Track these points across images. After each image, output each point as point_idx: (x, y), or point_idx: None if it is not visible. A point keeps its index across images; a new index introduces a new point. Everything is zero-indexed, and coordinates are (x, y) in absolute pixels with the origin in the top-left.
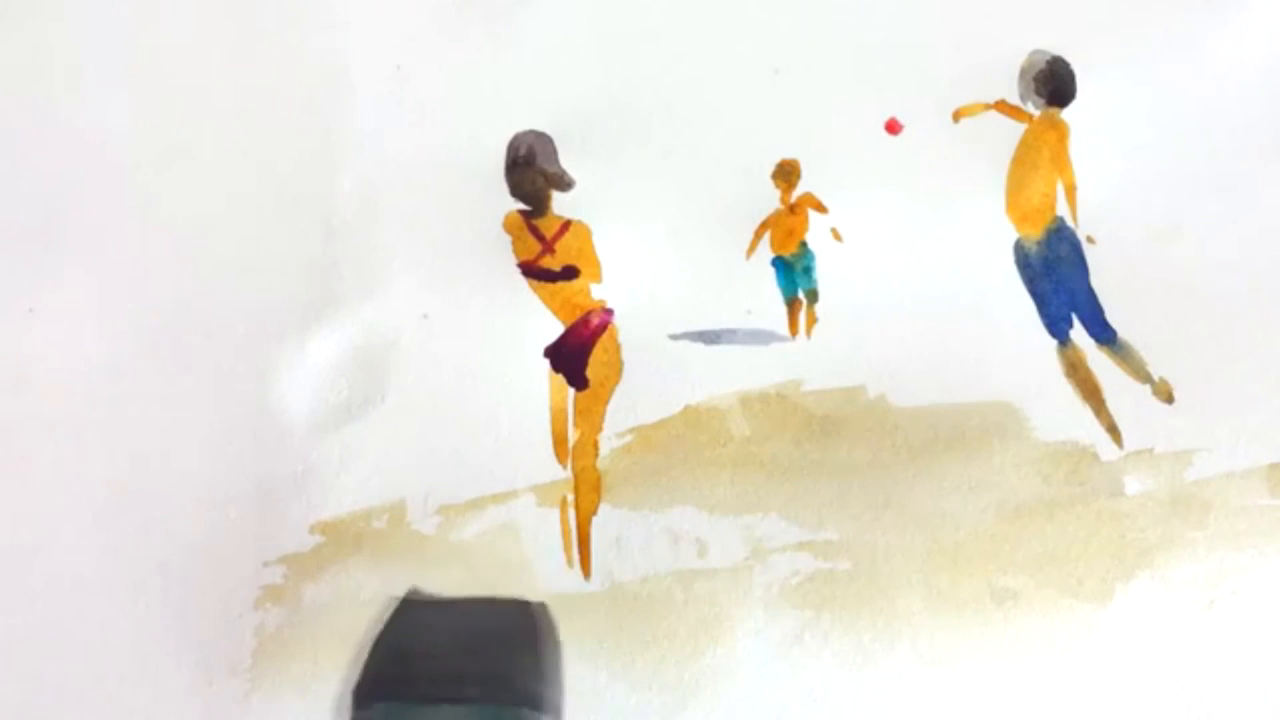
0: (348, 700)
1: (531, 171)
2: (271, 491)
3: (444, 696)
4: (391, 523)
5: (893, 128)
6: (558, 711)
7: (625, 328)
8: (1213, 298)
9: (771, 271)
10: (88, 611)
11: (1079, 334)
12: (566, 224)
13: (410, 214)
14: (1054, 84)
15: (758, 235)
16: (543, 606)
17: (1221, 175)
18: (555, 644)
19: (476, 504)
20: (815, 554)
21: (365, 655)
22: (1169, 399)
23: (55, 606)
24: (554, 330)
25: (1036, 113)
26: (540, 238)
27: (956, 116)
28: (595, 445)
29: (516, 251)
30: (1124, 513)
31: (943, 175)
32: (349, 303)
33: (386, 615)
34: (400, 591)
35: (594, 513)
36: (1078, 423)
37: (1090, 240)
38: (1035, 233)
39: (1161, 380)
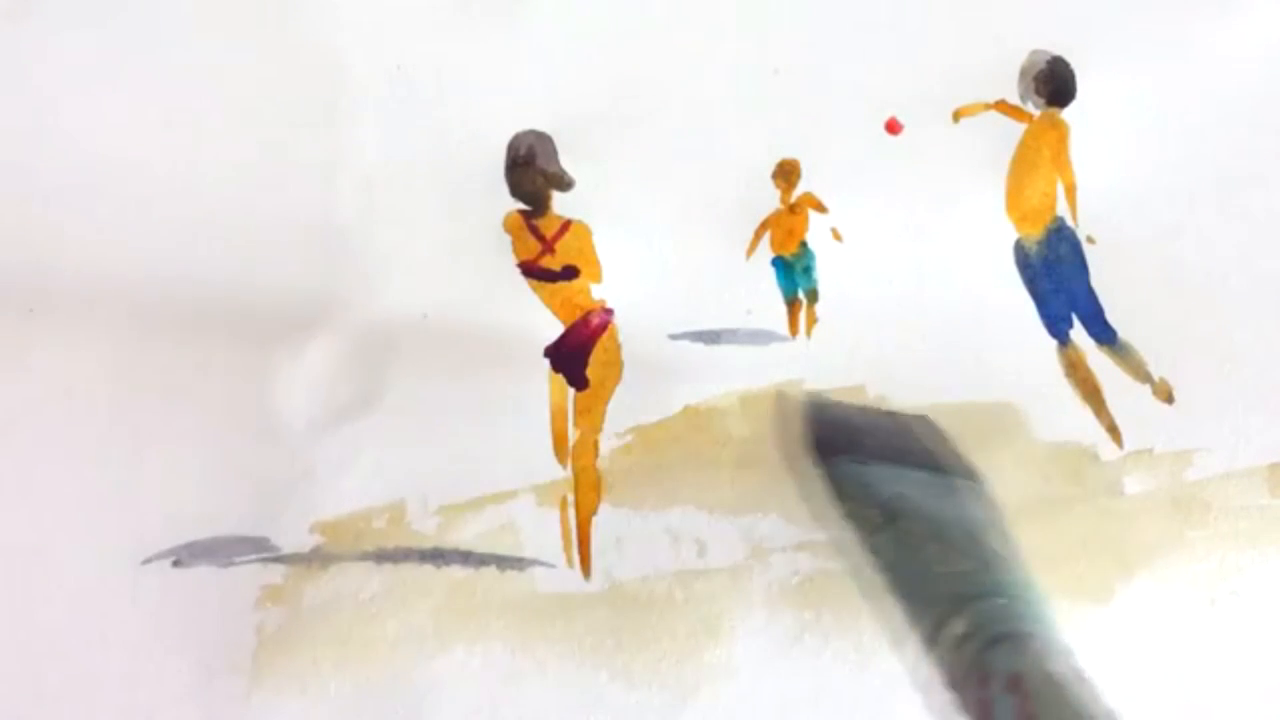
0: (802, 455)
1: (531, 171)
2: (271, 491)
3: (895, 460)
4: (391, 523)
5: (893, 128)
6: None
7: (625, 328)
8: (1213, 298)
9: (771, 271)
10: (88, 611)
11: (1079, 334)
12: (566, 224)
13: (410, 214)
14: (1054, 84)
15: (758, 235)
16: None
17: (1222, 175)
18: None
19: (476, 504)
20: (815, 554)
21: (802, 424)
22: (1169, 399)
23: (55, 606)
24: (554, 330)
25: (1036, 113)
26: (540, 238)
27: (956, 116)
28: (595, 445)
29: (516, 251)
30: (1124, 513)
31: (943, 175)
32: (349, 303)
33: (807, 403)
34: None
35: (594, 513)
36: (1078, 423)
37: (1090, 240)
38: (1035, 233)
39: (1161, 380)
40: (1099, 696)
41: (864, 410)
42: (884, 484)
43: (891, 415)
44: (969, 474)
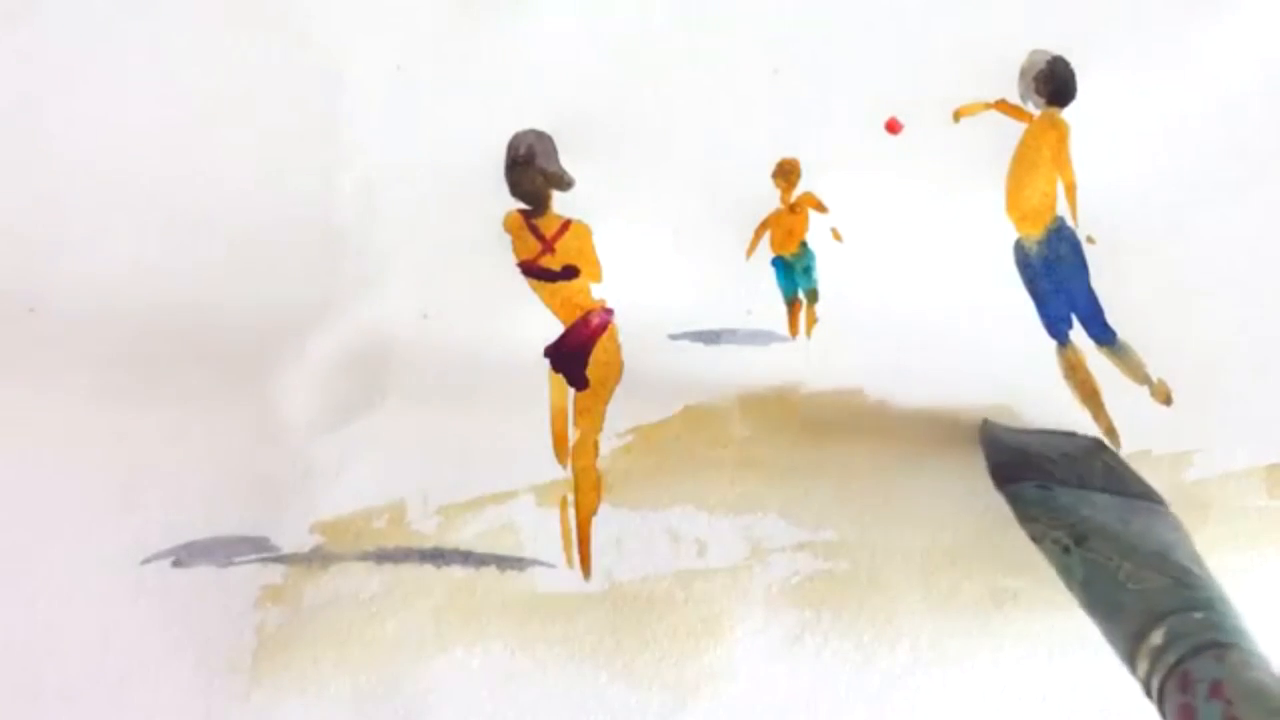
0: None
1: (531, 171)
2: (271, 491)
3: (1078, 485)
4: (391, 523)
5: (893, 128)
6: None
7: (625, 328)
8: (1213, 298)
9: (771, 271)
10: (88, 611)
11: (1079, 334)
12: (566, 224)
13: (410, 214)
14: (1054, 84)
15: (758, 235)
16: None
17: (1221, 175)
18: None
19: (476, 504)
20: (815, 554)
21: (987, 451)
22: (1167, 400)
23: (55, 606)
24: (554, 330)
25: (1036, 112)
26: (540, 237)
27: (956, 116)
28: (595, 445)
29: (516, 251)
30: None
31: (943, 175)
32: (349, 303)
33: (984, 430)
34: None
35: (594, 513)
36: (1077, 423)
37: (1090, 240)
38: (1035, 233)
39: (1160, 381)
40: None
41: (1042, 434)
42: (1071, 507)
43: (1070, 437)
44: (1151, 496)
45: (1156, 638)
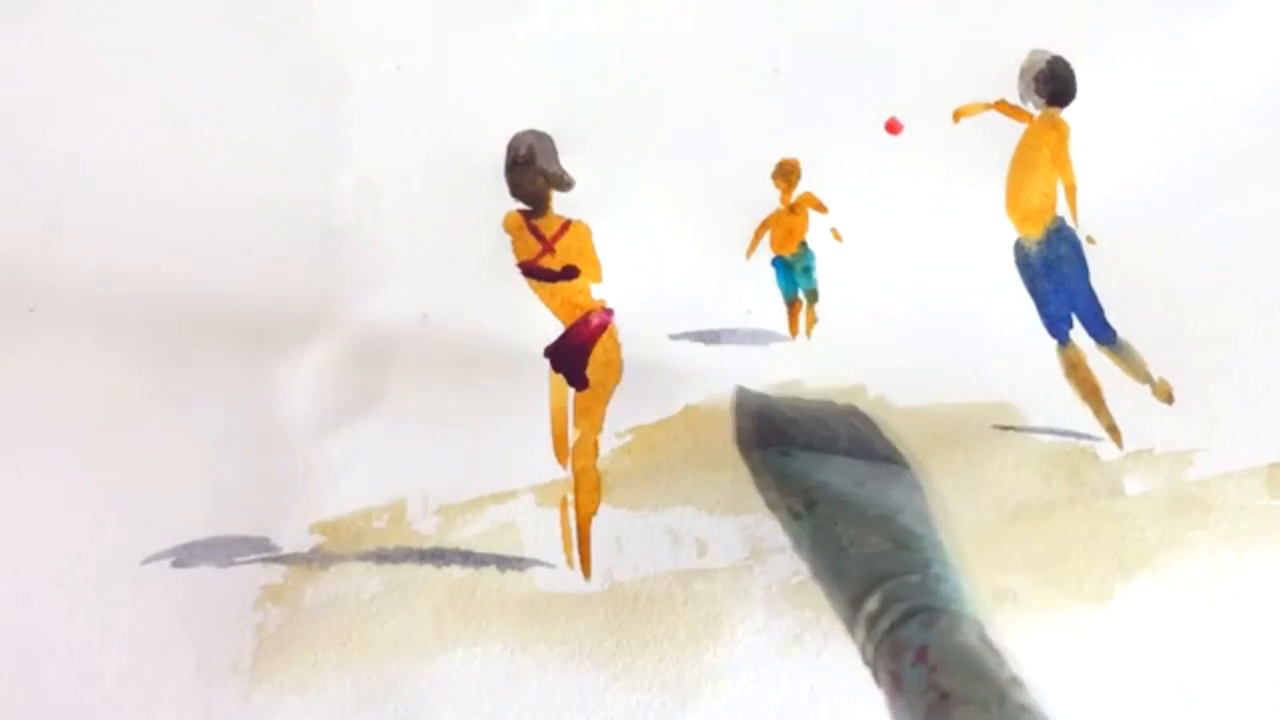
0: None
1: (531, 171)
2: (271, 491)
3: (821, 448)
4: (391, 523)
5: (893, 128)
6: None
7: (625, 328)
8: (1213, 298)
9: (771, 271)
10: (88, 611)
11: (1079, 334)
12: (566, 224)
13: (410, 214)
14: (1054, 84)
15: (758, 235)
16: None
17: (1221, 175)
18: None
19: (476, 504)
20: None
21: (734, 417)
22: (1169, 399)
23: (55, 606)
24: (554, 330)
25: (1036, 113)
26: (540, 238)
27: (956, 116)
28: (595, 445)
29: (516, 251)
30: (1124, 513)
31: (943, 175)
32: (349, 303)
33: (737, 397)
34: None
35: (594, 513)
36: (1078, 423)
37: (1090, 240)
38: (1035, 233)
39: (1161, 380)
40: (1006, 664)
41: (794, 402)
42: (807, 472)
43: (824, 405)
44: (894, 459)
45: (872, 603)
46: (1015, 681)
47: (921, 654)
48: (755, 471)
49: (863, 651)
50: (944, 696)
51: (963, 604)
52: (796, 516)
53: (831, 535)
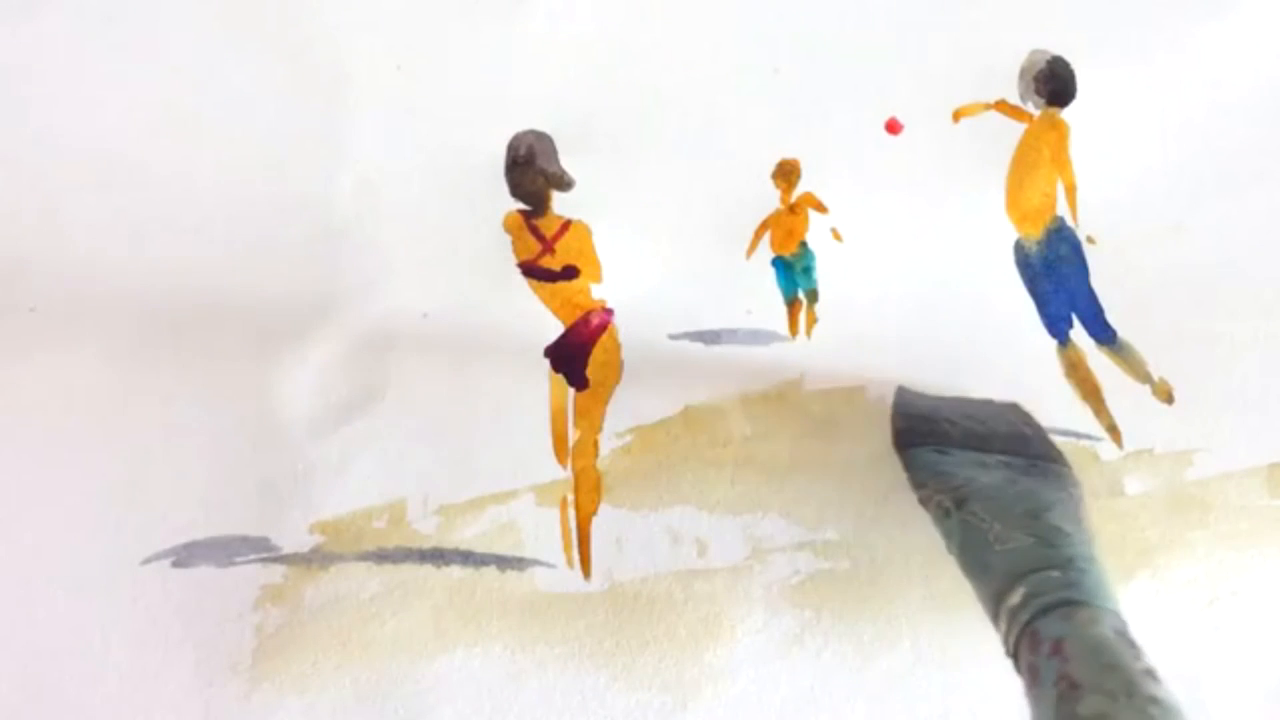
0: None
1: (531, 171)
2: (271, 491)
3: (977, 447)
4: (391, 523)
5: (893, 128)
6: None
7: (625, 328)
8: (1213, 298)
9: (771, 271)
10: (88, 611)
11: (1079, 334)
12: (566, 224)
13: (410, 214)
14: (1054, 84)
15: (758, 235)
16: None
17: (1221, 175)
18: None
19: (476, 504)
20: (815, 554)
21: (891, 417)
22: (1169, 399)
23: (55, 606)
24: (554, 330)
25: (1036, 113)
26: (540, 238)
27: (956, 116)
28: (595, 445)
29: (516, 251)
30: (1124, 513)
31: (943, 175)
32: (349, 303)
33: (896, 395)
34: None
35: (594, 513)
36: (1078, 423)
37: (1090, 240)
38: (1035, 233)
39: (1161, 380)
40: (1141, 657)
41: (954, 401)
42: (958, 470)
43: (984, 404)
44: (1050, 457)
45: (1015, 597)
46: (1149, 674)
47: (1057, 646)
48: (908, 468)
49: (1005, 644)
50: (1074, 686)
51: (1105, 599)
52: (946, 513)
53: (979, 531)
